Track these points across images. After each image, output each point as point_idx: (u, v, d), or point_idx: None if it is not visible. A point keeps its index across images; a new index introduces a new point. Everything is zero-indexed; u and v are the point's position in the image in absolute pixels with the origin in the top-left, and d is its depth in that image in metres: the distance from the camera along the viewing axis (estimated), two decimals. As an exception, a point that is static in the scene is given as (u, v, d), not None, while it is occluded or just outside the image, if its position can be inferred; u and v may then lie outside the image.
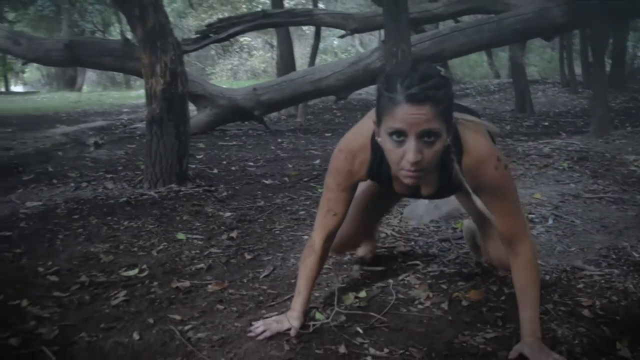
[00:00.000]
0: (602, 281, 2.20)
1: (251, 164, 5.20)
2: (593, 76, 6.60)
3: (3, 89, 27.08)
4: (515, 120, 8.29)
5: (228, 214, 3.39)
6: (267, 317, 1.94)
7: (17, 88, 31.81)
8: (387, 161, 1.59)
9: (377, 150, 1.67)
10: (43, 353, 1.75)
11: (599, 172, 4.30)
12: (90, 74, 26.19)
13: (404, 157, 1.46)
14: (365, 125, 1.74)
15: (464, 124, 1.66)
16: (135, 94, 17.65)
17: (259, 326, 1.84)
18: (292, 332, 1.80)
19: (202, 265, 2.53)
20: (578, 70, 13.06)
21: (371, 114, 1.68)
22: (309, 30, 21.17)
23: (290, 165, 5.05)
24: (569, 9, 7.40)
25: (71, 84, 24.86)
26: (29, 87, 32.07)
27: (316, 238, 1.87)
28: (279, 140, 6.97)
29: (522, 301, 1.69)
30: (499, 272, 2.23)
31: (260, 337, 1.79)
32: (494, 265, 2.19)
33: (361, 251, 2.45)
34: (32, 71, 29.90)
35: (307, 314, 1.92)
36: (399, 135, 1.45)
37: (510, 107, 10.00)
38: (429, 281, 2.25)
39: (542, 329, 1.70)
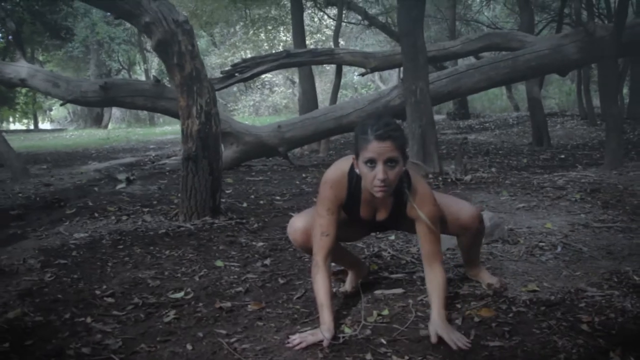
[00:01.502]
0: (603, 301, 2.43)
1: (278, 197, 5.50)
2: (606, 110, 6.81)
3: (32, 127, 27.82)
4: (532, 154, 8.52)
5: (260, 243, 3.68)
6: (302, 332, 2.21)
7: (44, 125, 32.58)
8: (358, 187, 2.30)
9: (352, 179, 2.31)
10: (112, 359, 2.04)
11: (610, 203, 4.52)
12: (115, 111, 26.91)
13: (375, 177, 2.11)
14: (342, 163, 2.38)
15: (413, 174, 2.36)
16: (159, 131, 18.18)
17: (295, 338, 2.12)
18: (325, 343, 2.07)
19: (240, 288, 2.81)
20: (596, 102, 13.30)
21: (345, 157, 2.39)
22: (330, 67, 21.67)
23: (314, 199, 5.33)
24: (584, 45, 7.66)
25: (97, 121, 25.56)
26: (55, 125, 32.82)
27: (318, 259, 2.30)
28: (303, 175, 7.28)
29: (432, 296, 2.25)
30: (471, 230, 2.56)
31: (297, 348, 2.07)
32: (468, 227, 2.54)
33: (343, 288, 2.79)
34: (59, 109, 30.71)
35: (337, 324, 2.21)
36: (371, 162, 2.12)
37: (528, 140, 10.23)
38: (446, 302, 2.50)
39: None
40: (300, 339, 2.11)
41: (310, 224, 2.40)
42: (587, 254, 3.17)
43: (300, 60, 10.22)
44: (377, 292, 2.67)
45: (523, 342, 2.05)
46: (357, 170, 2.23)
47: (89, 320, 2.42)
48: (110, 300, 2.69)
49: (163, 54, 4.41)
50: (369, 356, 1.99)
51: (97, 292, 2.81)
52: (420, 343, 2.09)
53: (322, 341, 2.08)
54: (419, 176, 2.40)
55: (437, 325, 2.14)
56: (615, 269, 2.88)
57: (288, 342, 2.11)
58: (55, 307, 2.61)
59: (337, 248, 2.52)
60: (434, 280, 2.29)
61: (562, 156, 8.12)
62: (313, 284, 2.30)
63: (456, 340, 2.05)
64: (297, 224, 2.50)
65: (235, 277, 3.01)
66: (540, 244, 3.38)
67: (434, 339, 2.09)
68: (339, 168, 2.36)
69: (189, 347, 2.13)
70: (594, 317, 2.25)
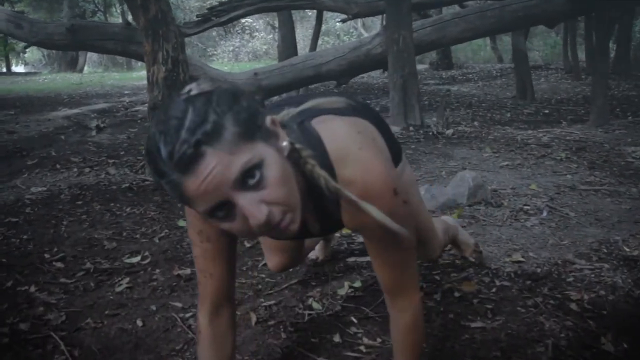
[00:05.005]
0: (592, 275, 2.26)
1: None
2: (594, 65, 6.60)
3: (4, 70, 27.06)
4: (515, 108, 8.30)
5: (229, 201, 3.46)
6: (264, 305, 2.02)
7: (18, 68, 31.78)
8: None
9: None
10: (51, 338, 1.83)
11: (596, 164, 4.34)
12: (92, 55, 26.12)
13: (247, 225, 1.00)
14: None
15: (330, 127, 1.19)
16: (136, 75, 17.64)
17: None
18: None
19: (203, 253, 2.59)
20: (582, 56, 13.06)
21: None
22: (311, 12, 21.11)
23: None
24: (573, -4, 7.40)
25: (72, 64, 24.83)
26: (30, 68, 32.00)
27: (199, 314, 1.39)
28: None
29: None
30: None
31: None
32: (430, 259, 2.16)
33: (312, 253, 2.39)
34: (33, 52, 29.83)
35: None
36: (218, 210, 0.99)
37: (512, 93, 10.01)
38: (423, 272, 2.32)
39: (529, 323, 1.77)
40: None
41: (287, 257, 1.86)
42: (574, 220, 2.99)
43: (280, 4, 9.77)
44: (350, 259, 2.48)
45: (507, 323, 1.88)
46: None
47: (32, 289, 2.21)
48: (59, 265, 2.47)
49: (127, -7, 4.08)
50: (337, 337, 1.80)
51: (47, 255, 2.58)
52: (394, 322, 1.91)
53: None
54: (348, 138, 1.18)
55: None
56: (604, 237, 2.70)
57: None
58: (-2, 273, 2.39)
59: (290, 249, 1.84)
60: (401, 338, 1.38)
61: (547, 111, 7.91)
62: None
63: None
64: (272, 262, 1.92)
65: (199, 239, 2.79)
66: (525, 207, 3.19)
67: None
68: None
69: (139, 322, 1.93)
70: (583, 295, 2.07)
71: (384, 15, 7.61)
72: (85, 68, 25.04)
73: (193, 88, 0.99)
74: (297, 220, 1.04)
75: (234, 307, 1.46)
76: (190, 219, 1.28)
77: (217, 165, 0.93)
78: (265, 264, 2.45)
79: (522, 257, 2.46)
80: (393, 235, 1.14)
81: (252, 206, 0.97)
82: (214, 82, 1.02)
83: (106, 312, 2.02)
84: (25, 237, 2.84)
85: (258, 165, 0.97)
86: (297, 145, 1.08)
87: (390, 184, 1.15)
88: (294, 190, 1.03)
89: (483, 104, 8.71)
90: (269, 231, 1.02)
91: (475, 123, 6.65)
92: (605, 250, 2.54)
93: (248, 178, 0.96)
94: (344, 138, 1.17)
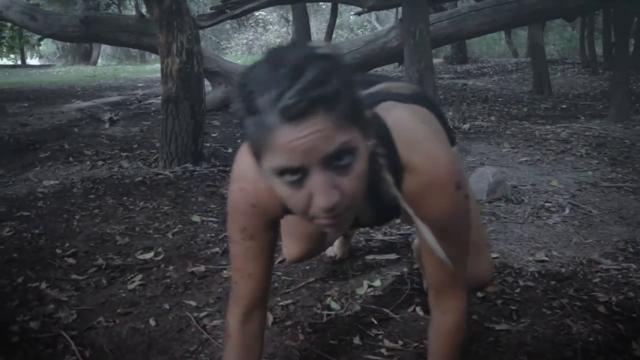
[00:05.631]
0: (619, 276, 2.18)
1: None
2: (614, 59, 6.47)
3: (19, 62, 27.20)
4: (532, 102, 8.18)
5: (243, 196, 3.39)
6: (281, 304, 1.96)
7: (33, 61, 31.93)
8: None
9: None
10: (62, 337, 1.78)
11: (617, 160, 4.25)
12: (105, 47, 26.16)
13: (311, 202, 0.93)
14: None
15: (400, 119, 1.15)
16: (149, 68, 17.65)
17: None
18: None
19: (217, 249, 2.54)
20: (599, 50, 12.87)
21: None
22: (326, 5, 21.00)
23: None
24: (593, -12, 7.26)
25: (86, 57, 24.90)
26: (44, 60, 32.13)
27: (230, 317, 1.33)
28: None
29: None
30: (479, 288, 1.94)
31: None
32: (481, 285, 1.84)
33: (331, 250, 2.30)
34: (48, 44, 29.95)
35: None
36: (294, 173, 0.91)
37: (528, 87, 9.87)
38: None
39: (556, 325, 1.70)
40: None
41: (305, 249, 1.77)
42: (597, 217, 2.91)
43: (294, -3, 9.72)
44: (369, 257, 2.41)
45: (532, 326, 1.80)
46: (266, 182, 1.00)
47: (43, 285, 2.16)
48: (71, 261, 2.42)
49: (140, -16, 4.02)
50: (357, 339, 1.74)
51: (58, 250, 2.53)
52: (416, 323, 1.84)
53: None
54: (416, 125, 1.18)
55: None
56: (629, 237, 2.62)
57: None
58: (9, 268, 2.33)
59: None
60: (444, 340, 1.31)
61: (564, 106, 7.78)
62: None
63: None
64: (292, 252, 1.85)
65: (212, 234, 2.73)
66: (547, 204, 3.11)
67: None
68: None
69: (152, 322, 1.87)
70: (611, 297, 1.99)
71: (399, 8, 7.52)
72: (99, 61, 25.10)
73: (320, 47, 0.93)
74: (350, 221, 1.00)
75: (266, 311, 1.39)
76: (236, 216, 1.22)
77: (321, 131, 0.87)
78: (281, 261, 2.39)
79: (546, 256, 2.38)
80: (454, 229, 1.15)
81: (327, 187, 0.91)
82: (336, 50, 0.97)
83: (118, 310, 1.96)
84: (37, 231, 2.79)
85: (352, 152, 0.92)
86: (374, 144, 1.02)
87: (455, 177, 1.11)
88: (362, 191, 0.97)
89: (499, 99, 8.59)
90: (323, 217, 0.95)
91: (492, 118, 6.54)
92: (631, 250, 2.46)
93: (337, 159, 0.91)
94: (411, 128, 1.14)
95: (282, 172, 0.92)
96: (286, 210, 1.16)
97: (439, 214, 1.11)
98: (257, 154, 0.95)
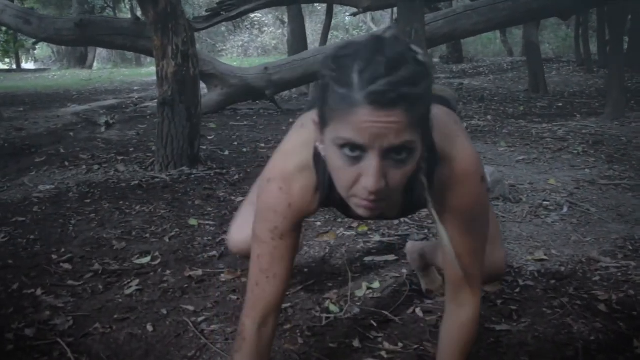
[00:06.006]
0: (619, 274, 2.18)
1: (262, 145, 5.17)
2: (610, 56, 6.47)
3: (14, 67, 27.13)
4: (528, 101, 8.18)
5: (240, 198, 3.37)
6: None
7: (28, 65, 31.82)
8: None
9: (325, 168, 1.12)
10: (58, 344, 1.76)
11: (614, 157, 4.24)
12: (101, 51, 26.13)
13: (358, 180, 0.99)
14: (300, 137, 1.24)
15: (442, 122, 1.21)
16: (145, 71, 17.61)
17: None
18: None
19: (214, 252, 2.52)
20: (593, 48, 12.88)
21: (304, 120, 1.27)
22: (321, 6, 20.99)
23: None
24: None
25: (82, 61, 24.83)
26: (39, 64, 32.03)
27: (246, 320, 1.29)
28: (291, 119, 6.91)
29: None
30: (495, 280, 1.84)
31: None
32: (497, 275, 1.71)
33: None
34: (43, 48, 29.87)
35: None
36: (354, 149, 0.96)
37: (524, 86, 9.88)
38: (443, 271, 2.23)
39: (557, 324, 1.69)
40: None
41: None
42: (595, 215, 2.90)
43: (290, -2, 9.71)
44: (367, 258, 2.40)
45: (533, 326, 1.80)
46: (320, 146, 1.08)
47: (39, 292, 2.13)
48: (67, 266, 2.39)
49: (134, -13, 4.00)
50: (356, 342, 1.72)
51: (54, 256, 2.50)
52: (415, 325, 1.82)
53: None
54: (450, 123, 1.28)
55: None
56: (628, 234, 2.61)
57: None
58: (4, 275, 2.31)
59: None
60: (461, 332, 1.32)
61: (560, 104, 7.78)
62: None
63: None
64: (238, 236, 1.68)
65: (210, 238, 2.71)
66: (545, 202, 3.10)
67: None
68: (295, 149, 1.23)
69: (149, 328, 1.85)
70: (611, 295, 1.99)
71: (394, 8, 7.51)
72: (95, 64, 25.04)
73: (418, 51, 0.99)
74: (380, 210, 1.05)
75: (278, 317, 1.37)
76: (269, 214, 1.22)
77: (395, 123, 0.93)
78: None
79: (545, 255, 2.38)
80: (478, 220, 1.22)
81: (377, 173, 0.96)
82: (428, 60, 1.04)
83: (115, 316, 1.94)
84: (32, 237, 2.77)
85: (411, 151, 0.98)
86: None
87: (480, 170, 1.21)
88: (400, 190, 1.05)
89: (495, 98, 8.60)
90: (362, 198, 1.00)
91: (489, 117, 6.54)
92: (630, 248, 2.46)
93: (397, 153, 0.97)
94: (446, 124, 1.23)
95: (344, 144, 0.97)
96: (321, 204, 1.24)
97: (466, 203, 1.19)
98: (327, 121, 1.00)
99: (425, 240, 2.45)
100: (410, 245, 2.09)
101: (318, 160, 1.16)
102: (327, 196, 1.21)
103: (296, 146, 1.23)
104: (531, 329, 1.78)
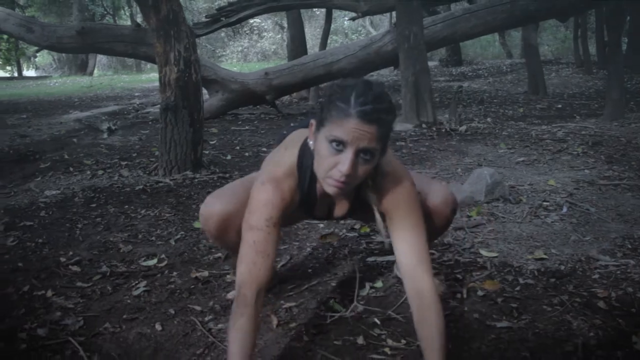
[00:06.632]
0: (618, 272, 2.21)
1: (264, 149, 5.22)
2: (609, 57, 6.51)
3: (16, 74, 27.16)
4: (528, 103, 8.22)
5: (243, 202, 3.41)
6: (285, 307, 1.98)
7: (29, 72, 31.83)
8: (314, 184, 1.65)
9: (304, 175, 1.64)
10: (70, 343, 1.80)
11: (614, 158, 4.28)
12: (101, 58, 26.19)
13: (336, 166, 1.44)
14: (286, 153, 1.68)
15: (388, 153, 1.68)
16: (145, 77, 17.67)
17: None
18: None
19: (219, 254, 2.56)
20: (592, 50, 12.92)
21: (291, 138, 1.76)
22: (320, 11, 21.06)
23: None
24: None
25: (82, 68, 24.89)
26: (40, 72, 32.05)
27: (247, 292, 1.51)
28: (291, 124, 6.96)
29: (428, 351, 1.50)
30: (439, 217, 1.91)
31: None
32: (438, 211, 1.88)
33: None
34: (44, 55, 29.95)
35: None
36: (339, 144, 1.42)
37: (523, 88, 9.93)
38: (444, 271, 2.28)
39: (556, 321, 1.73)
40: None
41: (233, 207, 1.77)
42: (595, 215, 2.94)
43: (289, 3, 9.74)
44: (370, 259, 2.44)
45: (533, 323, 1.83)
46: (310, 143, 1.55)
47: (49, 293, 2.18)
48: (75, 269, 2.44)
49: (137, -6, 4.05)
50: (360, 340, 1.76)
51: (62, 259, 2.55)
52: (418, 323, 1.86)
53: None
54: (391, 156, 1.71)
55: None
56: (627, 233, 2.65)
57: None
58: (15, 277, 2.36)
59: None
60: (429, 316, 1.52)
61: (559, 106, 7.83)
62: (230, 332, 1.49)
63: None
64: (213, 205, 1.82)
65: (215, 241, 2.76)
66: (544, 203, 3.14)
67: None
68: (282, 160, 1.66)
69: (158, 327, 1.89)
70: (610, 292, 2.02)
71: (393, 12, 7.56)
72: (95, 71, 25.09)
73: (389, 94, 1.49)
74: (342, 192, 1.52)
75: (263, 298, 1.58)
76: (266, 208, 1.56)
77: (371, 134, 1.41)
78: (283, 265, 2.42)
79: (545, 254, 2.41)
80: (414, 214, 1.62)
81: (349, 163, 1.42)
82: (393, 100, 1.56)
83: (124, 316, 1.99)
84: (40, 240, 2.82)
85: (373, 155, 1.46)
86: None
87: (410, 179, 1.68)
88: (359, 181, 1.52)
89: (495, 100, 8.64)
90: (335, 179, 1.46)
91: (488, 119, 6.58)
92: (629, 246, 2.49)
93: (364, 154, 1.44)
94: (388, 156, 1.66)
95: (333, 140, 1.43)
96: (300, 203, 1.68)
97: (404, 200, 1.62)
98: (324, 123, 1.46)
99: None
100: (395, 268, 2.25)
101: (301, 169, 1.63)
102: (306, 197, 1.68)
103: (285, 158, 1.66)
104: (531, 325, 1.82)
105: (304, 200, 1.69)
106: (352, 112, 1.40)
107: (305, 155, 1.63)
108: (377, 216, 1.63)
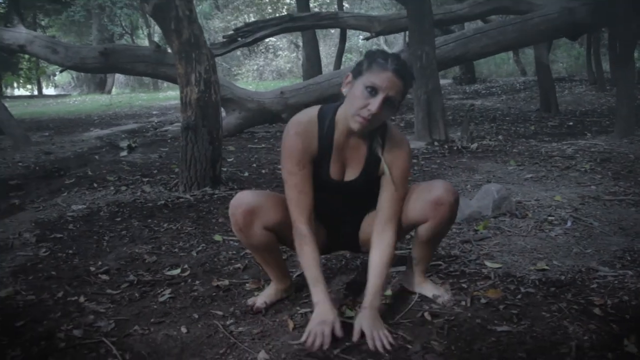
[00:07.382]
0: (616, 282, 2.34)
1: (280, 167, 5.37)
2: (619, 74, 6.61)
3: (36, 92, 27.63)
4: (540, 121, 8.34)
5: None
6: (300, 312, 2.13)
7: (49, 91, 32.33)
8: (331, 134, 2.01)
9: (323, 124, 2.02)
10: (103, 343, 1.96)
11: (621, 174, 4.40)
12: (119, 76, 26.68)
13: (367, 105, 1.87)
14: (309, 109, 2.08)
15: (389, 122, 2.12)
16: (163, 96, 17.98)
17: (308, 337, 1.85)
18: (338, 332, 1.86)
19: (239, 265, 2.72)
20: (606, 66, 13.00)
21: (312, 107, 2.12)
22: (335, 30, 21.31)
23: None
24: (595, 8, 7.42)
25: (101, 86, 25.33)
26: (60, 90, 32.56)
27: (300, 225, 1.99)
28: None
29: (373, 274, 2.01)
30: (444, 206, 2.06)
31: (316, 349, 1.81)
32: (441, 201, 2.04)
33: (260, 297, 2.30)
34: (63, 74, 30.48)
35: (332, 300, 2.02)
36: (373, 90, 1.87)
37: (536, 106, 10.03)
38: (451, 280, 2.41)
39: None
40: (314, 336, 1.83)
41: (261, 201, 2.03)
42: (598, 229, 3.06)
43: (304, 24, 10.00)
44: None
45: (532, 327, 1.96)
46: (344, 90, 1.98)
47: (82, 299, 2.35)
48: (104, 277, 2.62)
49: (160, 19, 4.26)
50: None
51: (92, 268, 2.73)
52: (423, 327, 2.00)
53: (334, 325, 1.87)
54: (393, 125, 2.13)
55: (363, 317, 1.91)
56: (628, 246, 2.77)
57: (303, 345, 1.85)
58: (49, 284, 2.54)
59: (273, 245, 2.14)
60: (379, 253, 2.02)
61: (571, 123, 7.94)
62: (300, 257, 1.99)
63: (377, 339, 1.84)
64: (243, 196, 2.06)
65: (234, 252, 2.92)
66: (550, 217, 3.27)
67: (356, 336, 1.87)
68: (306, 112, 2.06)
69: (183, 329, 2.05)
70: (606, 300, 2.15)
71: (407, 32, 7.73)
72: (113, 89, 25.53)
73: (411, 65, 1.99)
74: (367, 129, 1.94)
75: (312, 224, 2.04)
76: (292, 153, 1.98)
77: (396, 85, 1.89)
78: (299, 275, 2.57)
79: (547, 265, 2.54)
80: (406, 176, 2.09)
81: (379, 103, 1.87)
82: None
83: (152, 320, 2.15)
84: (70, 251, 3.00)
85: (395, 104, 1.94)
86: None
87: (408, 145, 2.14)
88: (380, 122, 1.97)
89: (507, 118, 8.76)
90: (364, 115, 1.88)
91: (500, 137, 6.71)
92: (629, 258, 2.61)
93: (389, 101, 1.89)
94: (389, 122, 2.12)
95: (369, 86, 1.88)
96: (319, 148, 2.02)
97: (402, 161, 2.06)
98: (362, 74, 1.91)
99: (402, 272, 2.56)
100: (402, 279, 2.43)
101: (320, 118, 2.02)
102: (323, 146, 2.02)
103: (309, 110, 2.07)
104: (530, 329, 1.95)
105: (321, 150, 2.02)
106: (389, 67, 1.87)
107: (325, 110, 2.04)
108: (385, 169, 2.04)
